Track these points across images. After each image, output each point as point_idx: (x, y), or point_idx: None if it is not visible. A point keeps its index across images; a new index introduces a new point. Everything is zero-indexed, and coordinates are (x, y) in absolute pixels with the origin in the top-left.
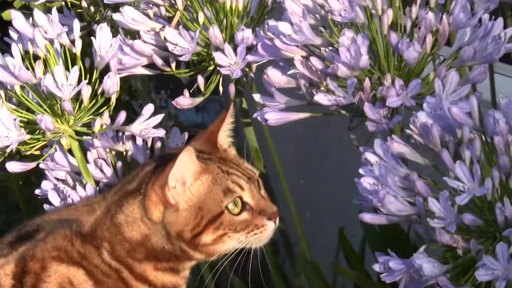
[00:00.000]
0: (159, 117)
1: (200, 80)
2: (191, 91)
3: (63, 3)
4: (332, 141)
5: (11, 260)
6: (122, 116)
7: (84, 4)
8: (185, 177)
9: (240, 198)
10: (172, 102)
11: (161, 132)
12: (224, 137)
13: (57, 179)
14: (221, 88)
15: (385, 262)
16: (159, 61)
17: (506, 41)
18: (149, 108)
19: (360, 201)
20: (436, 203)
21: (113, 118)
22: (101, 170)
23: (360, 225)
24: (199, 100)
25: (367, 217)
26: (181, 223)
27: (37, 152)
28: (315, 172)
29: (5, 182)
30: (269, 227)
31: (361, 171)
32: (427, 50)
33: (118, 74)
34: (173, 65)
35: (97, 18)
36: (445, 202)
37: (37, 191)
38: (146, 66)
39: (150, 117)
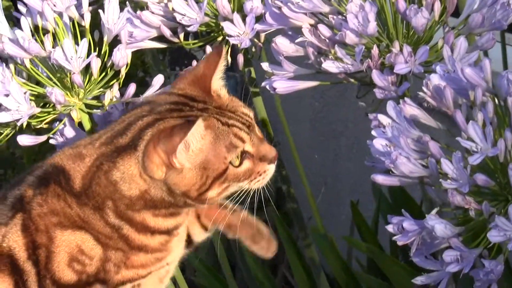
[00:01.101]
0: (165, 89)
1: (209, 50)
2: None
3: None
4: (348, 117)
5: (14, 230)
6: (132, 88)
7: None
8: (191, 143)
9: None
10: (179, 72)
11: None
12: (217, 81)
13: None
14: (229, 59)
15: (399, 223)
16: (167, 32)
17: None
18: (159, 79)
19: (372, 163)
20: (449, 164)
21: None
22: None
23: (374, 200)
24: None
25: (380, 178)
26: (187, 184)
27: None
28: (330, 147)
29: (22, 160)
30: (271, 171)
31: (373, 132)
32: (435, 17)
33: (129, 47)
34: (181, 35)
35: None
36: (458, 163)
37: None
38: (156, 40)
39: (159, 88)
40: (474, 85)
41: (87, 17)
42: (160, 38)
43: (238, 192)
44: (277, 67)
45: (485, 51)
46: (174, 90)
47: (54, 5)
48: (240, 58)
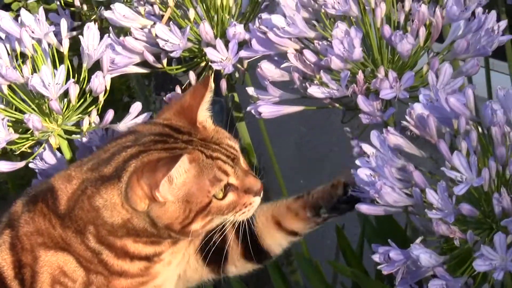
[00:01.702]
0: (146, 116)
1: (192, 75)
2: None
3: (58, 3)
4: (333, 142)
5: (3, 248)
6: (110, 115)
7: (77, 3)
8: (175, 177)
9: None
10: (164, 98)
11: None
12: (204, 113)
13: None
14: (212, 85)
15: (385, 253)
16: (150, 58)
17: (500, 34)
18: (136, 106)
19: (357, 192)
20: (434, 193)
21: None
22: None
23: (359, 224)
24: None
25: (364, 208)
26: (170, 217)
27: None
28: (315, 172)
29: (7, 185)
30: (256, 203)
31: (358, 162)
32: (420, 43)
33: (111, 73)
34: (165, 61)
35: (93, 18)
36: (443, 193)
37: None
38: (139, 65)
39: (138, 115)
40: (458, 114)
41: (66, 43)
42: (143, 63)
43: (223, 224)
44: (262, 92)
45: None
46: (159, 120)
47: (32, 32)
48: (223, 84)
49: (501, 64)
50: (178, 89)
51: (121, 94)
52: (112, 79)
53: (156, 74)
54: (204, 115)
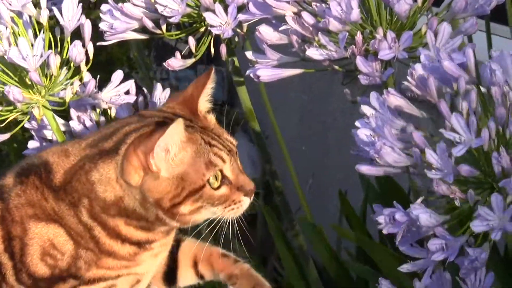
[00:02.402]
0: (128, 84)
1: (191, 41)
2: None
3: None
4: (336, 108)
5: None
6: (92, 83)
7: None
8: (171, 147)
9: (221, 171)
10: (164, 64)
11: (131, 98)
12: (204, 103)
13: (44, 139)
14: (212, 50)
15: (391, 215)
16: (149, 24)
17: None
18: (118, 74)
19: (357, 152)
20: (434, 154)
21: None
22: (85, 126)
23: (362, 191)
24: (190, 61)
25: (364, 168)
26: (161, 191)
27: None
28: (318, 139)
29: (9, 157)
30: (245, 203)
31: (357, 123)
32: (418, 3)
33: (109, 39)
34: (164, 27)
35: None
36: (442, 153)
37: (24, 152)
38: (138, 31)
39: (121, 83)
40: (455, 77)
41: (44, 14)
42: (142, 29)
43: (212, 221)
44: (261, 56)
45: (470, 40)
46: (163, 108)
47: (10, 4)
48: (223, 48)
49: (502, 28)
50: (178, 55)
51: (121, 65)
52: (112, 49)
53: (157, 45)
54: (205, 106)
